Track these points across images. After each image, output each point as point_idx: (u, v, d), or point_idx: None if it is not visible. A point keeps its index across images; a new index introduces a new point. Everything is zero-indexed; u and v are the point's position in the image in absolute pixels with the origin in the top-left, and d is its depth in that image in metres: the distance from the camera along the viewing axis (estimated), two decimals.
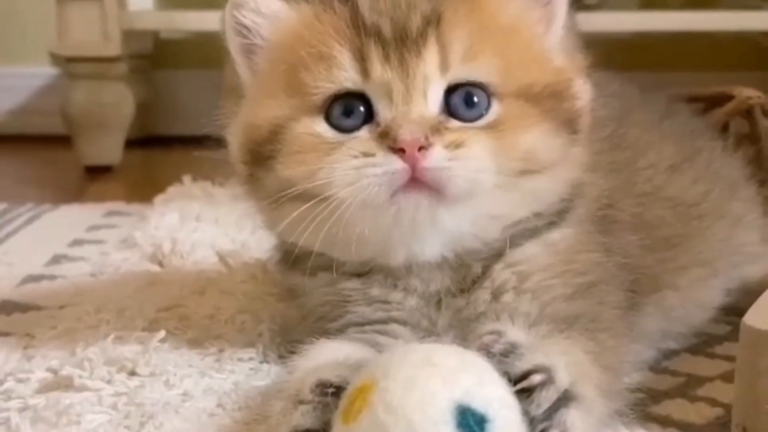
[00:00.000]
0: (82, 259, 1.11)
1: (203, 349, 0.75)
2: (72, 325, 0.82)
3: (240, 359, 0.74)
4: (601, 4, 1.99)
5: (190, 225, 1.16)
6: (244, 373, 0.72)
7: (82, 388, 0.67)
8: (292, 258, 0.70)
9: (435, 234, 0.63)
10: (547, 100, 0.64)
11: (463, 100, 0.62)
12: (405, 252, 0.64)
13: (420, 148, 0.59)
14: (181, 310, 0.84)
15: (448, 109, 0.62)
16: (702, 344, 0.83)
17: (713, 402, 0.70)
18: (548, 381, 0.54)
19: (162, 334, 0.74)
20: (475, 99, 0.62)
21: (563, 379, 0.55)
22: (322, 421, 0.56)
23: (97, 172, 1.84)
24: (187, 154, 2.31)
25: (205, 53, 2.31)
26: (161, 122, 2.35)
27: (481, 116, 0.62)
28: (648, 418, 0.66)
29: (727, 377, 0.74)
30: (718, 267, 0.83)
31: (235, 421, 0.63)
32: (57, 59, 1.85)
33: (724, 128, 1.15)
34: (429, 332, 0.67)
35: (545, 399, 0.54)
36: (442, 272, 0.66)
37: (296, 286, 0.70)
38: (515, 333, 0.59)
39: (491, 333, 0.59)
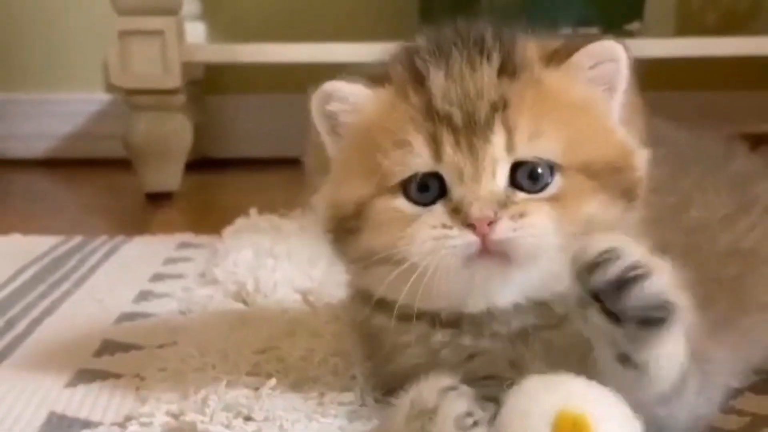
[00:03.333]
0: (167, 295, 1.18)
1: (304, 393, 0.82)
2: (178, 367, 0.89)
3: (341, 403, 0.80)
4: (642, 31, 2.04)
5: (266, 261, 1.23)
6: (346, 416, 0.78)
7: None
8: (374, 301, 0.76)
9: (506, 289, 0.71)
10: (607, 175, 0.71)
11: (527, 174, 0.70)
12: (483, 301, 0.71)
13: (489, 223, 0.67)
14: (276, 352, 0.90)
15: (514, 182, 0.70)
16: (762, 382, 0.88)
17: None
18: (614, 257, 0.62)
19: (273, 382, 0.80)
20: (540, 171, 0.70)
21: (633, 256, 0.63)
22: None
23: (158, 198, 1.91)
24: (241, 178, 2.41)
25: (253, 79, 2.39)
26: (213, 145, 2.42)
27: (544, 188, 0.70)
28: None
29: None
30: None
31: None
32: (116, 89, 1.93)
33: None
34: (516, 369, 0.73)
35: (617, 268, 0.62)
36: (523, 313, 0.73)
37: (380, 329, 0.77)
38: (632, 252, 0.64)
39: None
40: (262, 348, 0.92)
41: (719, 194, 0.87)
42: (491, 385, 0.72)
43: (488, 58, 0.70)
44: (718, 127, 1.21)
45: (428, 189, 0.70)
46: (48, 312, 1.13)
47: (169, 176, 1.91)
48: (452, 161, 0.69)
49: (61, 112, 2.42)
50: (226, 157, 2.42)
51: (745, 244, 0.86)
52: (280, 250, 1.29)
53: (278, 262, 1.22)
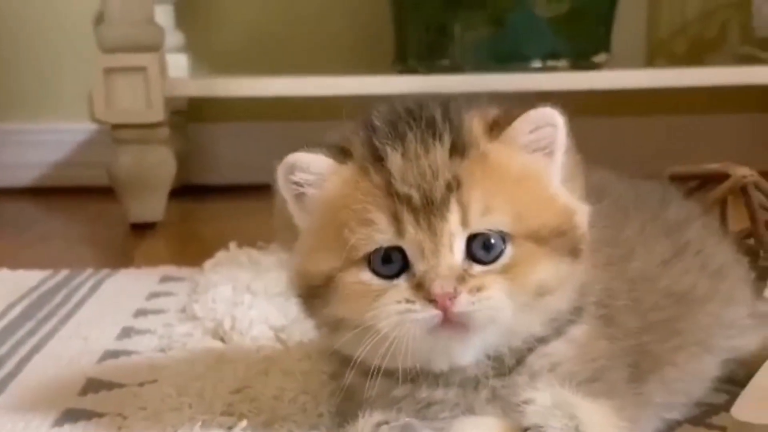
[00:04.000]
0: (149, 331, 1.24)
1: (274, 431, 0.88)
2: (158, 407, 0.95)
3: None
4: (609, 62, 2.11)
5: (243, 297, 1.29)
6: None
7: None
8: (344, 357, 0.83)
9: (466, 351, 0.79)
10: (554, 238, 0.77)
11: (481, 245, 0.76)
12: (447, 362, 0.79)
13: (450, 297, 0.74)
14: (250, 391, 0.97)
15: (470, 254, 0.76)
16: (702, 414, 0.95)
17: None
18: None
19: (244, 423, 0.87)
20: (493, 242, 0.76)
21: None
22: None
23: (142, 228, 1.98)
24: (223, 205, 2.47)
25: (236, 107, 2.46)
26: (196, 172, 2.49)
27: (498, 257, 0.76)
28: None
29: None
30: (712, 343, 0.96)
31: None
32: (104, 124, 1.99)
33: (723, 204, 1.28)
34: (467, 412, 0.80)
35: None
36: (479, 364, 0.80)
37: (349, 384, 0.83)
38: (545, 397, 0.74)
39: (524, 401, 0.73)
40: (237, 388, 0.98)
41: (658, 241, 0.94)
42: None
43: (440, 139, 0.76)
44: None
45: (391, 262, 0.75)
46: (36, 349, 1.19)
47: (152, 207, 1.97)
48: (413, 238, 0.74)
49: (49, 141, 2.48)
50: (209, 184, 2.48)
51: (680, 287, 0.93)
52: (257, 286, 1.36)
53: (255, 299, 1.29)
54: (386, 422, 0.77)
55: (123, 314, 1.33)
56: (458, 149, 0.76)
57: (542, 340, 0.80)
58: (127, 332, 1.25)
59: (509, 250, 0.76)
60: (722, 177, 1.27)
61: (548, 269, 0.77)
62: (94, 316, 1.34)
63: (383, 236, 0.75)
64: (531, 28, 2.03)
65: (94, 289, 1.47)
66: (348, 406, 0.84)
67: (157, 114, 1.92)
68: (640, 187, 1.04)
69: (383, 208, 0.75)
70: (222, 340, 1.17)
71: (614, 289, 0.85)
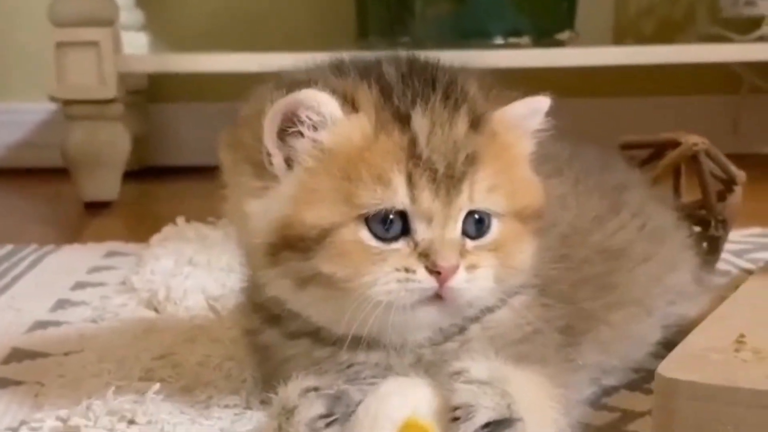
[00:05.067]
0: (84, 303, 1.21)
1: (194, 396, 0.85)
2: (77, 374, 0.92)
3: (226, 406, 0.83)
4: (573, 39, 2.08)
5: (183, 270, 1.26)
6: (230, 419, 0.81)
7: None
8: (269, 315, 0.80)
9: (431, 329, 0.76)
10: (533, 219, 0.77)
11: (474, 222, 0.74)
12: (401, 339, 0.75)
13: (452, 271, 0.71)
14: (174, 358, 0.94)
15: (462, 228, 0.73)
16: (640, 380, 0.93)
17: None
18: (467, 417, 0.66)
19: (157, 386, 0.83)
20: (484, 220, 0.75)
21: (484, 416, 0.66)
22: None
23: (96, 207, 1.94)
24: (183, 186, 2.42)
25: (198, 87, 2.42)
26: (157, 154, 2.45)
27: (485, 233, 0.74)
28: None
29: None
30: (651, 305, 0.94)
31: None
32: (57, 101, 1.95)
33: (677, 175, 1.26)
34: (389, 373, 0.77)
35: (463, 429, 0.66)
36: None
37: (267, 342, 0.80)
38: (478, 369, 0.70)
39: (457, 372, 0.69)
40: (161, 354, 0.95)
41: (591, 197, 0.92)
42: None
43: (461, 111, 0.74)
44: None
45: (392, 225, 0.72)
46: None
47: (106, 185, 1.93)
48: (427, 206, 0.71)
49: (7, 121, 2.44)
50: (171, 165, 2.44)
51: (614, 244, 0.90)
52: (200, 259, 1.32)
53: (195, 270, 1.25)
54: (315, 388, 0.73)
55: (61, 287, 1.29)
56: (475, 124, 0.74)
57: (489, 310, 0.78)
58: (61, 304, 1.22)
59: (496, 227, 0.75)
60: (675, 146, 1.25)
61: (529, 248, 0.77)
62: (31, 289, 1.31)
63: (397, 198, 0.71)
64: (493, 5, 2.00)
65: (35, 264, 1.43)
66: (266, 367, 0.81)
67: (110, 90, 1.88)
68: (582, 151, 1.01)
69: (403, 170, 0.71)
70: (156, 310, 1.14)
71: (545, 250, 0.82)
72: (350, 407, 0.70)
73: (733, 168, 1.25)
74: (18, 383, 0.93)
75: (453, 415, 0.67)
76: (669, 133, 1.26)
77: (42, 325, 1.13)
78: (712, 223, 1.23)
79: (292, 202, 0.73)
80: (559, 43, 2.06)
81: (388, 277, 0.71)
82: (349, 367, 0.77)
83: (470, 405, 0.66)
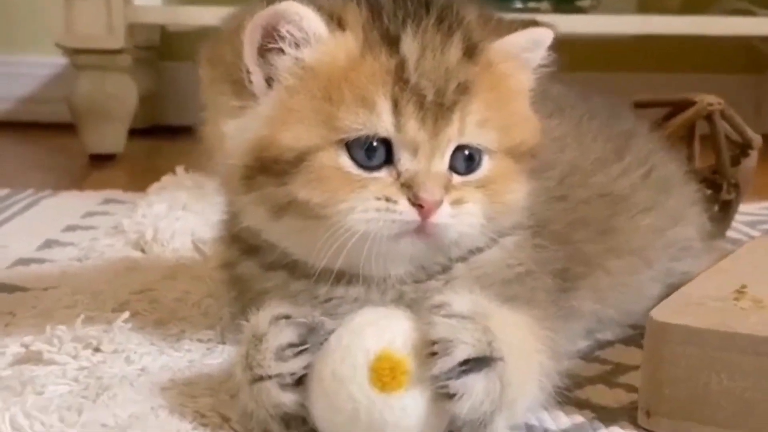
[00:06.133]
0: (72, 244, 1.18)
1: (167, 329, 0.82)
2: (50, 306, 0.89)
3: (199, 340, 0.80)
4: (595, 7, 2.03)
5: (175, 214, 1.22)
6: (201, 352, 0.78)
7: (50, 362, 0.74)
8: (246, 246, 0.76)
9: (413, 263, 0.71)
10: (527, 158, 0.73)
11: (464, 158, 0.69)
12: (381, 271, 0.70)
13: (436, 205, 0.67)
14: (152, 293, 0.90)
15: (450, 163, 0.69)
16: (637, 336, 0.88)
17: (630, 388, 0.76)
18: (445, 352, 0.61)
19: (126, 314, 0.80)
20: (474, 157, 0.70)
21: (462, 352, 0.61)
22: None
23: (101, 160, 1.91)
24: (191, 144, 2.37)
25: None
26: (168, 112, 2.41)
27: (474, 170, 0.70)
28: (567, 401, 0.72)
29: None
30: (651, 257, 0.90)
31: (183, 393, 0.70)
32: (64, 50, 1.92)
33: (691, 131, 1.21)
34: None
35: (440, 365, 0.61)
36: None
37: (247, 275, 0.76)
38: (461, 303, 0.64)
39: (437, 305, 0.64)
40: (139, 289, 0.92)
41: (594, 140, 0.87)
42: None
43: (455, 37, 0.69)
44: None
45: (374, 153, 0.67)
46: None
47: (112, 138, 1.90)
48: (412, 135, 0.67)
49: (15, 73, 2.41)
50: (183, 125, 2.40)
51: (617, 188, 0.86)
52: (194, 205, 1.29)
53: (187, 215, 1.22)
54: (287, 316, 0.67)
55: (52, 229, 1.26)
56: (469, 51, 0.69)
57: (478, 250, 0.73)
58: (49, 244, 1.19)
59: (487, 164, 0.70)
60: (690, 106, 1.20)
61: (521, 189, 0.72)
62: (21, 228, 1.28)
63: (381, 124, 0.66)
64: None
65: (29, 206, 1.41)
66: (242, 300, 0.78)
67: (118, 40, 1.84)
68: (590, 96, 0.97)
69: (389, 93, 0.66)
70: (143, 251, 1.10)
71: (541, 191, 0.78)
72: (323, 339, 0.65)
73: (749, 131, 1.20)
74: None
75: (430, 350, 0.61)
76: (686, 93, 1.21)
77: (25, 261, 1.10)
78: (724, 186, 1.18)
79: (270, 122, 0.68)
80: (580, 10, 2.00)
81: (367, 204, 0.66)
82: (326, 301, 0.73)
83: (448, 340, 0.61)
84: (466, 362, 0.61)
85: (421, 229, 0.67)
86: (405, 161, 0.67)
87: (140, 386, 0.71)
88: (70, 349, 0.75)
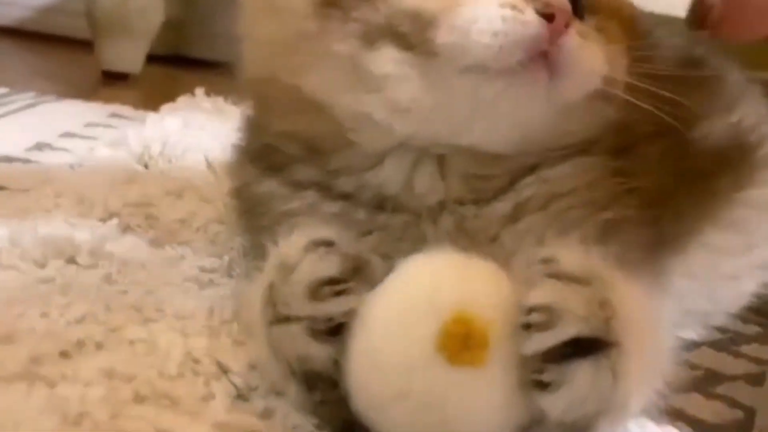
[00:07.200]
0: (65, 150, 1.02)
1: (162, 251, 0.66)
2: (28, 206, 0.73)
3: (201, 268, 0.64)
4: None
5: (189, 132, 1.06)
6: (201, 282, 0.62)
7: (9, 267, 0.58)
8: (270, 163, 0.60)
9: (526, 119, 0.55)
10: (627, 27, 0.60)
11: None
12: (479, 131, 0.55)
13: (565, 24, 0.52)
14: (150, 209, 0.74)
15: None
16: (727, 341, 0.73)
17: (733, 402, 0.60)
18: (546, 325, 0.44)
19: (114, 222, 0.65)
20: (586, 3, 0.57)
21: (571, 328, 0.45)
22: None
23: (114, 78, 1.75)
24: (210, 79, 2.19)
25: None
26: (190, 43, 2.26)
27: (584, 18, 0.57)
28: (655, 407, 0.56)
29: (752, 379, 0.64)
30: (751, 238, 0.73)
31: (173, 328, 0.54)
32: None
33: None
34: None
35: (536, 342, 0.44)
36: (458, 181, 0.57)
37: (267, 195, 0.60)
38: (572, 261, 0.48)
39: (540, 260, 0.49)
40: (136, 202, 0.76)
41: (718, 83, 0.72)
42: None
43: None
44: None
45: None
46: None
47: (129, 56, 1.75)
48: None
49: None
50: (205, 58, 2.25)
51: (717, 143, 0.70)
52: (212, 127, 1.12)
53: (202, 134, 1.06)
54: (329, 242, 0.51)
55: (47, 132, 1.10)
56: None
57: (545, 164, 0.58)
58: (40, 146, 1.03)
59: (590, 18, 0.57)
60: None
61: (623, 57, 0.58)
62: (14, 128, 1.12)
63: None
64: None
65: (27, 107, 1.25)
66: (258, 226, 0.61)
67: None
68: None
69: None
70: (146, 165, 0.94)
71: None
72: (373, 281, 0.49)
73: None
74: None
75: (526, 320, 0.45)
76: None
77: (8, 159, 0.94)
78: None
79: None
80: None
81: (492, 11, 0.51)
82: (365, 234, 0.57)
83: (553, 309, 0.45)
84: (572, 342, 0.45)
85: (543, 56, 0.52)
86: None
87: (118, 310, 0.55)
88: (37, 255, 0.59)
